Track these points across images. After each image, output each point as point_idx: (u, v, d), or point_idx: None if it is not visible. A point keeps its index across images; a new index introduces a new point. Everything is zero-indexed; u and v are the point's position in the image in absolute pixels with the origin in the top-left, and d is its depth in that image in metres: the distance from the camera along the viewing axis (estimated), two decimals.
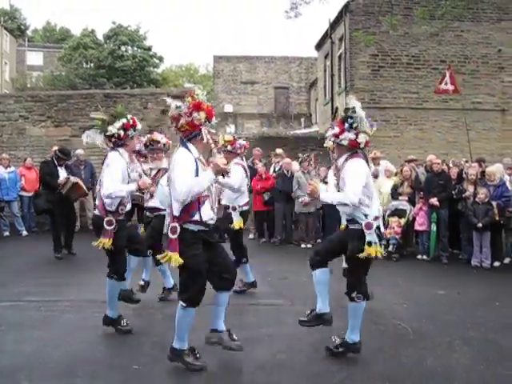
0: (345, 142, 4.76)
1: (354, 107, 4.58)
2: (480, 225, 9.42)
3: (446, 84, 13.86)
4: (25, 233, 12.76)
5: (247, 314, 6.46)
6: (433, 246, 10.20)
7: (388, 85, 19.90)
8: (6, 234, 12.68)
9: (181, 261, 4.27)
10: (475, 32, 19.96)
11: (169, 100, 4.48)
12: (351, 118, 4.69)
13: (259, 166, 12.29)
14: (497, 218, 9.56)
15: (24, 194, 12.99)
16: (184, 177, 4.21)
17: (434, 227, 10.13)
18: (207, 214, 4.44)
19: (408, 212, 10.44)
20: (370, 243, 4.74)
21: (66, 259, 9.68)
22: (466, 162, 12.52)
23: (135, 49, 45.40)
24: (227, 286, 4.66)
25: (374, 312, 6.21)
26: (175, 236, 4.31)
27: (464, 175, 10.70)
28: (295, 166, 12.14)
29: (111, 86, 37.94)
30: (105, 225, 5.29)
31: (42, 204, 10.07)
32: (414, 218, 10.46)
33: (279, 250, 11.22)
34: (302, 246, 11.36)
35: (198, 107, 4.30)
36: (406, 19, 19.62)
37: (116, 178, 5.24)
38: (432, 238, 10.19)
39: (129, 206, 5.63)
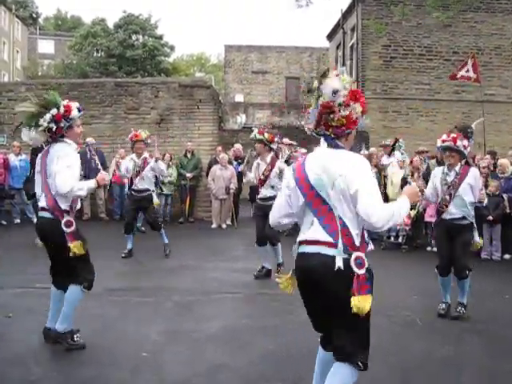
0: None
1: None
2: (491, 217, 9.36)
3: (467, 71, 13.70)
4: (35, 220, 12.80)
5: (255, 304, 6.47)
6: None
7: (400, 76, 19.80)
8: (17, 221, 12.76)
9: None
10: (489, 23, 19.79)
11: (316, 83, 3.30)
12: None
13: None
14: (507, 211, 9.49)
15: None
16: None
17: None
18: None
19: (418, 204, 10.37)
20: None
21: None
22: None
23: (146, 38, 45.33)
24: None
25: (384, 304, 6.19)
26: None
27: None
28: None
29: (122, 75, 37.92)
30: (64, 227, 4.58)
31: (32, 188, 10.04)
32: (425, 210, 10.41)
33: (288, 241, 11.17)
34: None
35: (355, 96, 3.18)
36: (419, 9, 19.48)
37: (74, 173, 4.58)
38: None
39: (79, 205, 4.96)
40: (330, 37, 26.45)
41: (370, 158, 11.57)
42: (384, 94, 19.73)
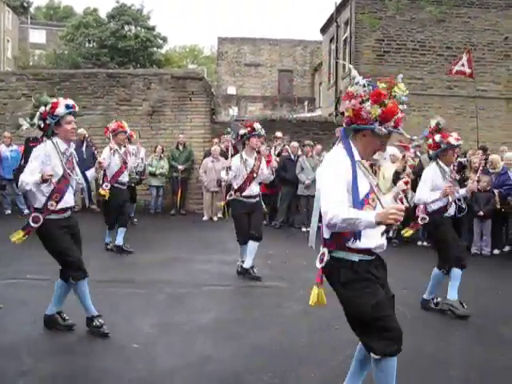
0: None
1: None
2: (481, 213, 9.42)
3: (462, 65, 13.74)
4: (26, 211, 12.71)
5: (246, 296, 6.50)
6: None
7: (393, 70, 19.76)
8: (8, 212, 12.71)
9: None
10: (482, 19, 19.82)
11: (354, 72, 3.32)
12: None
13: (262, 148, 12.28)
14: (498, 206, 9.55)
15: None
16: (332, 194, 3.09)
17: None
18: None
19: (409, 198, 10.41)
20: None
21: None
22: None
23: (138, 29, 45.05)
24: None
25: None
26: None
27: (464, 162, 10.67)
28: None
29: (114, 66, 37.69)
30: (30, 220, 4.82)
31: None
32: (416, 204, 10.44)
33: (280, 233, 11.24)
34: (303, 229, 11.38)
35: (377, 97, 3.15)
36: (413, 4, 19.50)
37: (28, 168, 4.71)
38: None
39: (65, 203, 4.90)
40: (324, 30, 26.40)
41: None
42: None
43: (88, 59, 41.49)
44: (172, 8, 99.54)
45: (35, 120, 4.88)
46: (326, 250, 3.26)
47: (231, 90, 35.56)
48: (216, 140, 13.70)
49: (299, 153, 12.22)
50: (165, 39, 47.19)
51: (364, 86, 3.18)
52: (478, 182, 9.64)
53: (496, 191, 9.57)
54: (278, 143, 13.05)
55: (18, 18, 52.27)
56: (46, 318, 5.05)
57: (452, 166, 6.23)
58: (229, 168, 7.17)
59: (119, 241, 8.82)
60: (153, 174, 13.19)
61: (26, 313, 5.34)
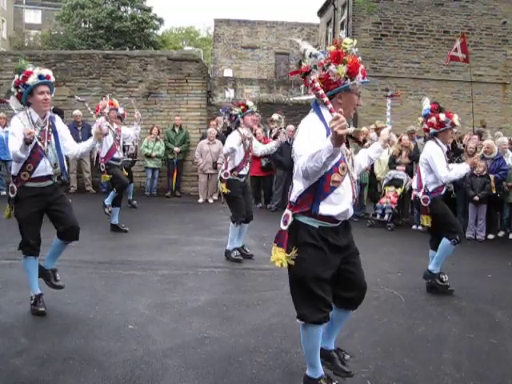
0: None
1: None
2: (477, 198, 9.45)
3: (456, 51, 13.69)
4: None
5: (242, 278, 6.53)
6: None
7: (390, 54, 19.75)
8: (3, 193, 12.66)
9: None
10: (480, 3, 19.74)
11: (304, 45, 3.39)
12: None
13: (258, 131, 12.26)
14: (493, 191, 9.58)
15: None
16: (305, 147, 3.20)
17: None
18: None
19: (405, 182, 10.46)
20: None
21: None
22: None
23: (135, 10, 44.65)
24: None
25: (368, 280, 6.26)
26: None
27: (460, 147, 10.70)
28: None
29: (110, 47, 37.45)
30: (9, 192, 4.96)
31: None
32: (411, 188, 10.47)
33: (275, 216, 11.18)
34: None
35: (337, 58, 3.27)
36: None
37: (12, 138, 4.72)
38: None
39: (40, 172, 4.89)
40: (321, 13, 26.26)
41: (358, 135, 11.57)
42: (373, 71, 19.66)
43: (84, 40, 41.16)
44: None
45: (11, 88, 4.94)
46: (290, 213, 3.40)
47: (228, 73, 35.40)
48: (213, 122, 13.67)
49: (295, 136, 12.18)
50: (161, 21, 46.80)
51: (318, 54, 3.31)
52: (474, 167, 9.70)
53: (491, 176, 9.59)
54: (274, 126, 13.00)
55: None
56: (41, 270, 5.15)
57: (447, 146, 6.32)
58: (233, 150, 7.13)
59: (115, 220, 8.98)
60: (148, 156, 13.17)
61: (20, 293, 5.35)
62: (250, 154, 7.44)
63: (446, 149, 6.16)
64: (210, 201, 12.93)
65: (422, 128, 6.38)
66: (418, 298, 5.95)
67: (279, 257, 3.37)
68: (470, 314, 5.53)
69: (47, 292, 5.31)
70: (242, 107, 7.26)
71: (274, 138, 12.49)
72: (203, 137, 13.48)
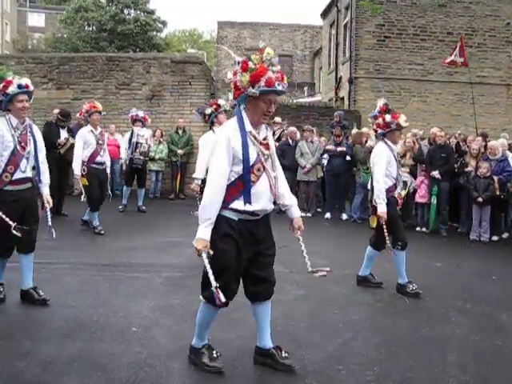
0: None
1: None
2: (480, 199, 9.42)
3: (456, 56, 13.65)
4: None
5: None
6: (432, 219, 10.22)
7: (393, 55, 19.73)
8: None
9: None
10: (484, 4, 19.70)
11: (232, 54, 3.96)
12: None
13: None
14: (497, 193, 9.56)
15: None
16: (214, 156, 3.64)
17: (434, 200, 10.13)
18: None
19: (409, 184, 10.44)
20: None
21: (68, 223, 9.76)
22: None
23: (138, 12, 44.67)
24: None
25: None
26: None
27: (464, 148, 10.68)
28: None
29: (113, 50, 37.45)
30: None
31: None
32: (415, 190, 10.46)
33: (280, 218, 11.19)
34: (302, 214, 11.31)
35: (244, 67, 3.60)
36: None
37: None
38: (432, 210, 10.20)
39: (20, 175, 5.13)
40: (324, 15, 26.24)
41: (360, 137, 11.56)
42: (377, 73, 19.67)
43: (87, 43, 41.22)
44: None
45: None
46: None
47: (231, 75, 35.39)
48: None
49: (298, 137, 12.16)
50: (164, 23, 46.82)
51: (238, 63, 3.65)
52: (477, 168, 9.66)
53: (495, 178, 9.57)
54: (277, 128, 13.02)
55: (17, 0, 51.93)
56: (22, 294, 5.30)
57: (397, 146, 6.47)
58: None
59: (95, 222, 9.06)
60: (152, 159, 13.18)
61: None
62: None
63: (395, 148, 6.27)
64: None
65: (372, 129, 6.51)
66: (422, 300, 5.92)
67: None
68: (475, 315, 5.50)
69: (50, 295, 5.32)
70: (214, 106, 7.31)
71: (278, 140, 12.51)
72: None
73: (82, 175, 8.71)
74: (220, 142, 3.59)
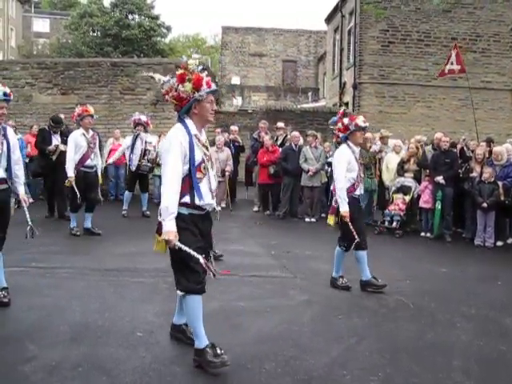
0: None
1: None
2: (485, 204, 9.41)
3: (452, 64, 13.61)
4: (31, 200, 12.74)
5: (250, 285, 6.51)
6: (437, 224, 10.21)
7: (397, 61, 19.75)
8: (12, 200, 12.72)
9: None
10: (488, 10, 19.72)
11: (157, 76, 4.38)
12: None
13: (266, 138, 12.28)
14: (502, 198, 9.54)
15: None
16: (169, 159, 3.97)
17: (438, 205, 10.12)
18: None
19: (413, 189, 10.45)
20: None
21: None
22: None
23: (142, 18, 44.84)
24: None
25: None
26: None
27: (468, 153, 10.67)
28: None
29: (118, 55, 37.61)
30: None
31: (34, 168, 11.53)
32: (419, 196, 10.46)
33: (283, 224, 11.25)
34: (306, 219, 11.39)
35: (181, 79, 4.02)
36: None
37: None
38: (436, 215, 10.19)
39: None
40: (328, 20, 26.30)
41: (364, 142, 11.54)
42: (381, 78, 19.69)
43: (92, 48, 41.41)
44: None
45: None
46: None
47: (235, 80, 35.45)
48: (218, 130, 13.72)
49: (301, 142, 12.12)
50: (169, 28, 47.03)
51: (169, 80, 4.11)
52: (482, 174, 9.64)
53: (500, 183, 9.56)
54: (280, 133, 13.02)
55: (22, 6, 52.17)
56: None
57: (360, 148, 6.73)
58: None
59: (87, 224, 9.09)
60: (156, 164, 13.19)
61: (30, 301, 5.37)
62: None
63: (357, 150, 6.46)
64: (219, 208, 12.89)
65: (335, 136, 6.72)
66: (426, 305, 5.92)
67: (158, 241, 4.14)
68: (479, 320, 5.49)
69: (56, 299, 5.34)
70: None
71: (281, 145, 12.53)
72: (211, 144, 13.51)
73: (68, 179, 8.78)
74: (173, 144, 3.93)
